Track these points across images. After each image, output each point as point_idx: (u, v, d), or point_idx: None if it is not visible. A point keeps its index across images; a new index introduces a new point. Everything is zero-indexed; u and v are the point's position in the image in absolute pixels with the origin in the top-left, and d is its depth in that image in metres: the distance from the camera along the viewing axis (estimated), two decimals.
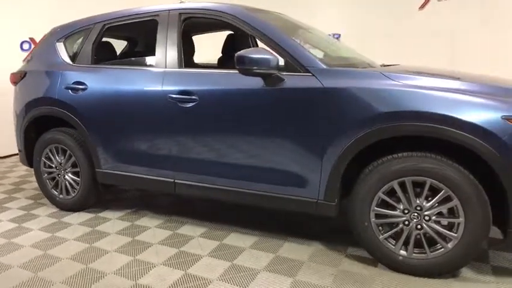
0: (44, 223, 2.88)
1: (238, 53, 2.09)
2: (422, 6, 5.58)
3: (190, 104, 2.38)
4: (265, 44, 2.27)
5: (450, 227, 1.94)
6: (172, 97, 2.43)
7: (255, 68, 2.08)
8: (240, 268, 2.15)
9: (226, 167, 2.36)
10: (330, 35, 6.53)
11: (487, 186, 1.85)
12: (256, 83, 2.18)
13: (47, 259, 2.32)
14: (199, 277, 2.06)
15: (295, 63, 2.15)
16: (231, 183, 2.38)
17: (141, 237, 2.59)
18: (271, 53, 2.11)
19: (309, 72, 2.11)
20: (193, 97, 2.37)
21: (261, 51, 2.10)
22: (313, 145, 2.10)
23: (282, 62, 2.20)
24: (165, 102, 2.45)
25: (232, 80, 2.27)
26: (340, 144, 2.03)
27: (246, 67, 2.08)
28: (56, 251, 2.42)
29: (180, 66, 2.51)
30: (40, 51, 3.16)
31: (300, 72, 2.13)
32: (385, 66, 2.79)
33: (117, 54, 3.38)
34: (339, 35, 6.49)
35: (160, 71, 2.54)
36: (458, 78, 2.02)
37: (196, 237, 2.56)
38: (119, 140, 2.71)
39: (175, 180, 2.56)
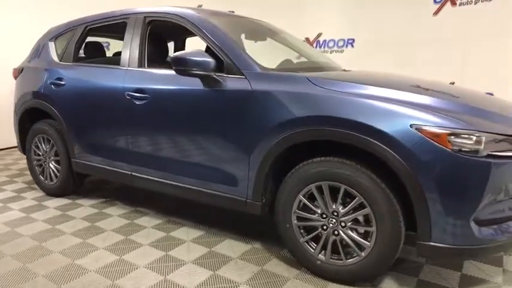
0: (25, 205, 3.18)
1: (174, 54, 2.20)
2: (436, 13, 5.37)
3: (143, 102, 2.54)
4: (209, 45, 2.37)
5: (366, 235, 1.91)
6: (129, 94, 2.60)
7: (190, 69, 2.18)
8: (171, 258, 2.26)
9: (171, 162, 2.49)
10: (343, 40, 6.52)
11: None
12: (195, 83, 2.29)
13: (10, 235, 2.58)
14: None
15: (233, 66, 2.22)
16: (175, 178, 2.50)
17: (100, 224, 2.78)
18: (207, 55, 2.20)
19: (243, 75, 2.18)
20: (146, 95, 2.52)
21: (197, 54, 2.19)
22: (242, 145, 2.17)
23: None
24: (124, 99, 2.62)
25: (177, 80, 2.38)
26: (264, 145, 2.07)
27: (180, 68, 2.20)
28: (21, 229, 2.68)
29: (140, 66, 2.67)
30: (36, 49, 3.49)
31: (236, 74, 2.21)
32: (344, 71, 2.78)
33: (105, 53, 3.63)
34: (353, 39, 6.41)
35: (123, 70, 2.72)
36: (397, 88, 1.95)
37: (148, 227, 2.72)
38: (87, 132, 2.94)
39: (132, 173, 2.73)
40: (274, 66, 2.63)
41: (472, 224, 1.71)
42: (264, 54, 3.27)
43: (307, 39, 6.62)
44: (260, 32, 3.12)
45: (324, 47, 6.60)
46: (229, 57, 2.25)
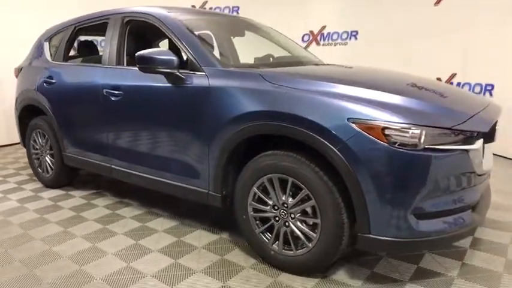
0: (23, 195, 3.41)
1: (139, 52, 2.30)
2: (438, 2, 5.21)
3: (118, 98, 2.67)
4: (176, 43, 2.45)
5: (314, 227, 1.96)
6: (106, 91, 2.73)
7: (154, 67, 2.28)
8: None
9: (142, 155, 2.62)
10: (346, 32, 6.45)
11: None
12: (161, 80, 2.38)
13: (1, 224, 2.79)
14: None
15: (195, 63, 2.30)
16: (146, 171, 2.62)
17: (84, 214, 2.96)
18: (170, 53, 2.28)
19: (203, 72, 2.26)
20: (120, 92, 2.65)
21: (160, 52, 2.28)
22: (202, 139, 2.25)
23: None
24: (102, 95, 2.77)
25: (145, 77, 2.48)
26: (221, 139, 2.15)
27: (144, 66, 2.30)
28: (13, 218, 2.89)
29: (118, 64, 2.80)
30: (33, 49, 3.70)
31: (198, 71, 2.29)
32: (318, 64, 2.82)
33: (98, 51, 3.79)
34: (357, 31, 6.33)
35: (102, 68, 2.87)
36: (351, 83, 1.96)
37: (127, 218, 2.86)
38: (74, 128, 3.12)
39: (112, 166, 2.88)
40: (252, 61, 2.70)
41: (411, 217, 1.72)
42: (245, 49, 3.37)
43: (311, 32, 6.61)
44: (238, 28, 3.18)
45: (328, 40, 6.55)
46: (192, 55, 2.33)
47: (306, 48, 6.67)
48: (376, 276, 2.05)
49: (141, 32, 2.83)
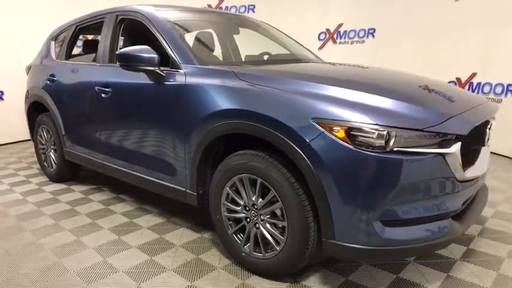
0: (27, 189, 3.54)
1: (120, 50, 2.32)
2: None
3: (107, 95, 2.71)
4: (160, 41, 2.44)
5: (283, 229, 1.89)
6: (98, 88, 2.78)
7: (134, 64, 2.29)
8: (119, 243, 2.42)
9: (127, 152, 2.64)
10: (364, 30, 6.26)
11: None
12: (143, 78, 2.39)
13: None
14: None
15: (175, 61, 2.29)
16: (130, 167, 2.65)
17: (78, 208, 3.03)
18: (150, 51, 2.28)
19: (181, 69, 2.24)
20: (109, 89, 2.69)
21: (141, 50, 2.28)
22: (179, 138, 2.24)
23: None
24: (95, 93, 2.82)
25: (130, 74, 2.50)
26: (195, 137, 2.13)
27: (125, 64, 2.31)
28: (11, 210, 3.01)
29: (111, 62, 2.84)
30: (42, 48, 3.84)
31: (177, 69, 2.27)
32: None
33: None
34: (374, 29, 6.12)
35: (96, 66, 2.92)
36: (328, 82, 1.88)
37: (117, 213, 2.91)
38: (72, 124, 3.21)
39: (104, 162, 2.93)
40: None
41: (377, 224, 1.62)
42: (243, 47, 3.34)
43: (327, 31, 6.47)
44: (231, 25, 3.15)
45: (345, 38, 6.39)
46: (173, 52, 2.32)
47: (321, 47, 6.57)
48: (349, 284, 1.95)
49: (134, 30, 2.86)
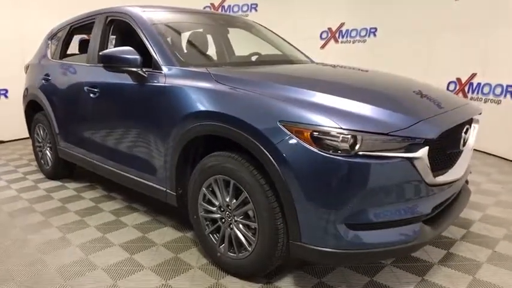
0: (24, 185, 3.63)
1: (103, 51, 2.36)
2: None
3: (95, 96, 2.76)
4: (144, 42, 2.47)
5: (255, 231, 1.91)
6: (87, 89, 2.84)
7: (117, 65, 2.33)
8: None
9: (113, 151, 2.69)
10: (365, 29, 6.21)
11: None
12: (127, 78, 2.43)
13: None
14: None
15: (157, 62, 2.32)
16: (115, 166, 2.70)
17: (69, 205, 3.10)
18: (133, 52, 2.31)
19: (162, 70, 2.27)
20: (96, 89, 2.74)
21: (124, 51, 2.31)
22: (159, 138, 2.27)
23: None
24: (84, 93, 2.87)
25: (114, 74, 2.54)
26: (174, 139, 2.15)
27: (108, 65, 2.35)
28: (5, 206, 3.09)
29: (99, 62, 2.89)
30: (39, 47, 3.92)
31: (159, 70, 2.30)
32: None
33: None
34: (375, 28, 6.07)
35: (86, 66, 2.98)
36: (302, 84, 1.91)
37: (106, 211, 2.96)
38: (64, 122, 3.27)
39: (94, 161, 2.98)
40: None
41: (342, 227, 1.62)
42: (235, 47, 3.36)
43: (329, 30, 6.43)
44: (221, 26, 3.17)
45: (347, 37, 6.35)
46: (156, 53, 2.35)
47: (323, 46, 6.54)
48: (322, 286, 1.96)
49: (123, 30, 2.90)
